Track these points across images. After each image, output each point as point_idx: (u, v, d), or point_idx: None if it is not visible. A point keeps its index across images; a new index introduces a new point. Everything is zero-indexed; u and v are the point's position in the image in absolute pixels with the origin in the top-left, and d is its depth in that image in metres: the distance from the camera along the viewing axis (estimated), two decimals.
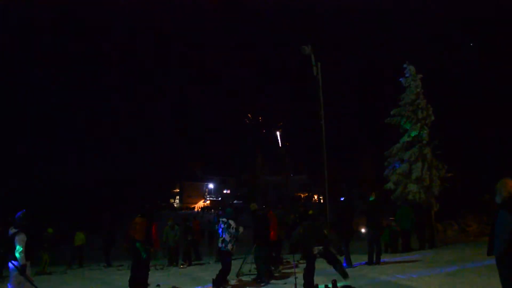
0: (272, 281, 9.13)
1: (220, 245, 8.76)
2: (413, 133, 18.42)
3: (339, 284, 7.28)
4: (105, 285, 10.78)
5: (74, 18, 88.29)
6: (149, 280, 9.30)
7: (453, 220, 19.74)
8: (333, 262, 7.76)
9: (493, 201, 5.07)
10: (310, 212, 13.75)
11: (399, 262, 10.87)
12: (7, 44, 63.44)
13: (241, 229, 8.74)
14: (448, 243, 15.87)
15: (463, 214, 20.31)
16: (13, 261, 6.58)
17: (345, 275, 7.58)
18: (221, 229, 8.75)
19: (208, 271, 11.17)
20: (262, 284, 8.87)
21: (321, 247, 7.55)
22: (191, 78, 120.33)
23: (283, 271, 10.64)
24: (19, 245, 6.60)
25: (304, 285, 7.45)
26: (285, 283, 8.80)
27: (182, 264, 14.31)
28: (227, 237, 8.63)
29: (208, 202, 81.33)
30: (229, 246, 8.63)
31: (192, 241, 15.39)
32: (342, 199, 12.35)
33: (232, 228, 8.64)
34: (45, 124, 61.02)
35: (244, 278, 9.76)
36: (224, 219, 8.83)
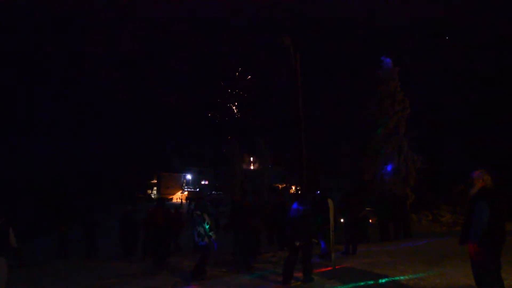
0: (250, 271, 9.18)
1: (196, 239, 8.74)
2: (390, 125, 18.69)
3: None
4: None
5: None
6: (126, 271, 9.26)
7: (427, 210, 20.16)
8: (304, 259, 7.46)
9: (466, 192, 5.20)
10: (287, 203, 13.79)
11: (375, 252, 11.06)
12: None
13: (213, 235, 8.68)
14: (423, 232, 16.21)
15: (437, 204, 20.77)
16: None
17: (307, 277, 7.37)
18: (196, 223, 8.72)
19: (187, 262, 11.14)
20: (240, 274, 8.91)
21: (303, 241, 7.35)
22: (167, 66, 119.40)
23: (261, 261, 10.66)
24: None
25: (282, 274, 7.47)
26: (263, 273, 8.85)
27: None
28: (202, 230, 8.58)
29: (186, 193, 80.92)
30: (206, 239, 8.59)
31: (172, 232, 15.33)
32: (318, 192, 12.42)
33: (207, 223, 8.59)
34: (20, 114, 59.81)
35: (222, 268, 9.77)
36: (198, 212, 8.78)
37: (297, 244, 7.29)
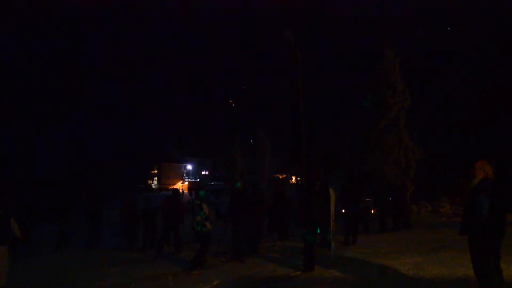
0: (251, 259, 9.22)
1: (195, 228, 8.79)
2: (390, 116, 18.65)
3: None
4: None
5: None
6: (128, 260, 9.30)
7: (427, 201, 20.20)
8: (306, 248, 7.86)
9: (466, 183, 5.20)
10: (287, 194, 13.85)
11: (375, 242, 11.10)
12: None
13: (208, 225, 8.74)
14: (422, 223, 16.25)
15: (437, 195, 20.81)
16: None
17: (308, 266, 7.70)
18: (195, 212, 8.78)
19: (187, 251, 11.19)
20: (240, 263, 8.95)
21: (304, 230, 7.73)
22: (167, 60, 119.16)
23: (262, 250, 10.69)
24: None
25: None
26: (263, 262, 8.89)
27: None
28: (200, 219, 8.65)
29: (186, 183, 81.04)
30: (204, 228, 8.64)
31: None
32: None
33: (204, 212, 8.64)
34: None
35: (222, 258, 9.81)
36: (198, 202, 8.83)
37: (303, 232, 7.61)
